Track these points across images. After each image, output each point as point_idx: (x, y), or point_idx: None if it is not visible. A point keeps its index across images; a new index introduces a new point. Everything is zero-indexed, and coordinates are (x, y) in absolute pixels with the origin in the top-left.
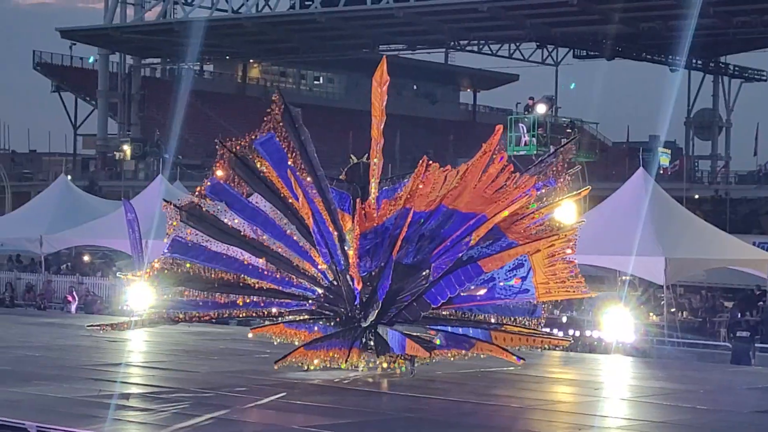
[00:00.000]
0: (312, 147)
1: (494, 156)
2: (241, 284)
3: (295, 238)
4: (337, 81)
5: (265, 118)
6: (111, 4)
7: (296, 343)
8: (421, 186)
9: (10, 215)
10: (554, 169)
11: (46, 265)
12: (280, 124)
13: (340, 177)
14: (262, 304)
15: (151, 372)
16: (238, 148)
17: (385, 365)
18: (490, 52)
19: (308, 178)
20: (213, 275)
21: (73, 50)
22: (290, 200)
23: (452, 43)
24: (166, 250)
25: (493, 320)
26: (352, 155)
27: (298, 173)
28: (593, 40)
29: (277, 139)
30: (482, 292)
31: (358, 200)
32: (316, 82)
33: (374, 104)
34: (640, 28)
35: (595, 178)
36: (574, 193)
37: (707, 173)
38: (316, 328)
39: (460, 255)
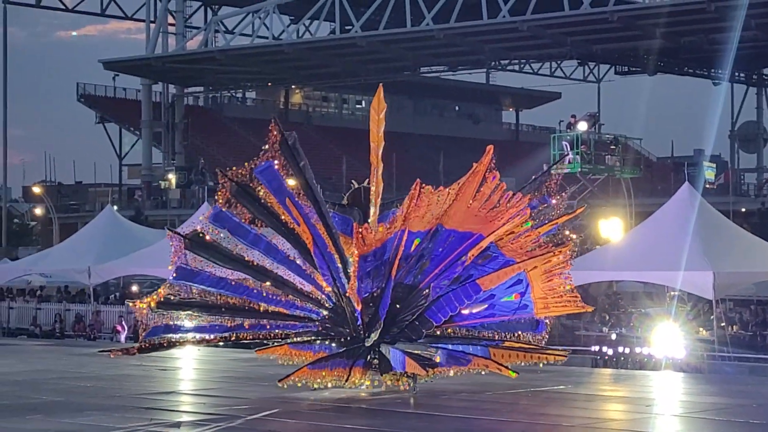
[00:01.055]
0: (311, 173)
1: (486, 175)
2: (246, 308)
3: (298, 262)
4: None
5: (264, 147)
6: (152, 35)
7: (300, 363)
8: (415, 208)
9: (58, 247)
10: (548, 186)
11: (94, 295)
12: (278, 152)
13: (342, 202)
14: (268, 327)
15: (201, 399)
16: (239, 176)
17: (389, 383)
18: (531, 71)
19: (308, 204)
20: (219, 299)
21: (116, 81)
22: (291, 225)
23: (493, 63)
24: (171, 278)
25: (496, 337)
26: (353, 180)
27: (297, 199)
28: (635, 56)
29: (276, 167)
30: (482, 309)
31: (355, 224)
32: (357, 106)
33: (372, 131)
34: (681, 42)
35: (640, 194)
36: (571, 212)
37: (753, 186)
38: (319, 349)
39: (458, 274)
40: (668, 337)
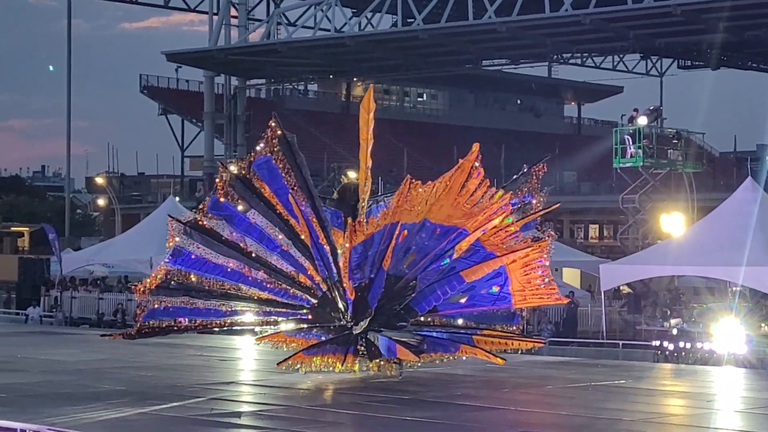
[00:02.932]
0: (307, 169)
1: (472, 172)
2: (240, 294)
3: (290, 252)
4: (441, 97)
5: (260, 140)
6: (215, 27)
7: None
8: (405, 201)
9: (120, 237)
10: (529, 186)
11: None
12: (276, 148)
13: (333, 196)
14: (261, 313)
15: (261, 390)
16: (239, 168)
17: (375, 369)
18: (593, 65)
19: (303, 197)
20: (215, 285)
21: (179, 73)
22: (286, 217)
23: (555, 56)
24: (167, 260)
25: (479, 326)
26: (343, 176)
27: (293, 192)
28: (698, 50)
29: (274, 161)
30: (464, 300)
31: (348, 218)
32: (419, 99)
33: (362, 129)
34: (745, 36)
35: (702, 189)
36: (547, 208)
37: None
38: (313, 336)
39: (443, 266)
40: (730, 332)
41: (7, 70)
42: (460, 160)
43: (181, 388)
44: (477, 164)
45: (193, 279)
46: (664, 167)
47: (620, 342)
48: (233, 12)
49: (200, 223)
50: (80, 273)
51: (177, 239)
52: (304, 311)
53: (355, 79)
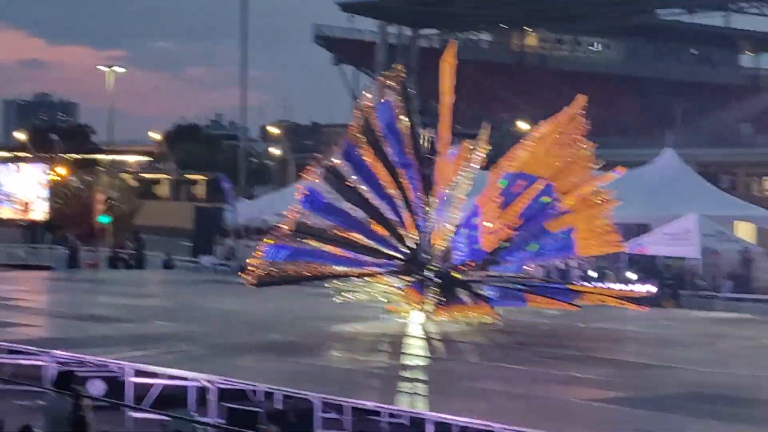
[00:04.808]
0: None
1: (573, 123)
2: (357, 242)
3: (398, 203)
4: (614, 47)
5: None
6: None
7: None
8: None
9: (295, 187)
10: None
11: None
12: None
13: None
14: (369, 263)
15: (430, 344)
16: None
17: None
18: None
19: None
20: (338, 233)
21: (353, 23)
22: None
23: (732, 5)
24: (302, 200)
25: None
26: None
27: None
28: None
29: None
30: (536, 249)
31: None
32: (591, 48)
33: (444, 84)
34: None
35: None
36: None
37: None
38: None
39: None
40: None
41: (184, 20)
42: (566, 109)
43: (352, 341)
44: (580, 116)
45: (318, 224)
46: None
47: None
48: None
49: (335, 167)
50: (255, 222)
51: (313, 177)
52: (398, 261)
53: (526, 28)
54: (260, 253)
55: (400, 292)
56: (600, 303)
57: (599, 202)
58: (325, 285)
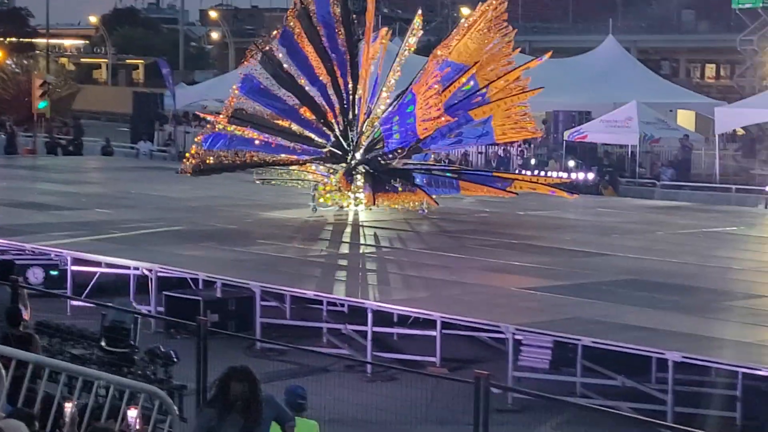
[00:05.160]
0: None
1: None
2: (290, 130)
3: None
4: None
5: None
6: None
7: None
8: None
9: (234, 72)
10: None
11: None
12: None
13: None
14: (299, 151)
15: (370, 232)
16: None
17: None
18: None
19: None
20: (273, 120)
21: None
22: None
23: None
24: (238, 85)
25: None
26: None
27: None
28: None
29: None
30: (453, 136)
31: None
32: None
33: None
34: None
35: None
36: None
37: None
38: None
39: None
40: None
41: None
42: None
43: (292, 229)
44: (502, 5)
45: (258, 109)
46: None
47: (733, 186)
48: None
49: (272, 52)
50: (194, 107)
51: (252, 62)
52: (324, 149)
53: None
54: (198, 141)
55: (328, 180)
56: (531, 190)
57: (518, 89)
58: (257, 173)
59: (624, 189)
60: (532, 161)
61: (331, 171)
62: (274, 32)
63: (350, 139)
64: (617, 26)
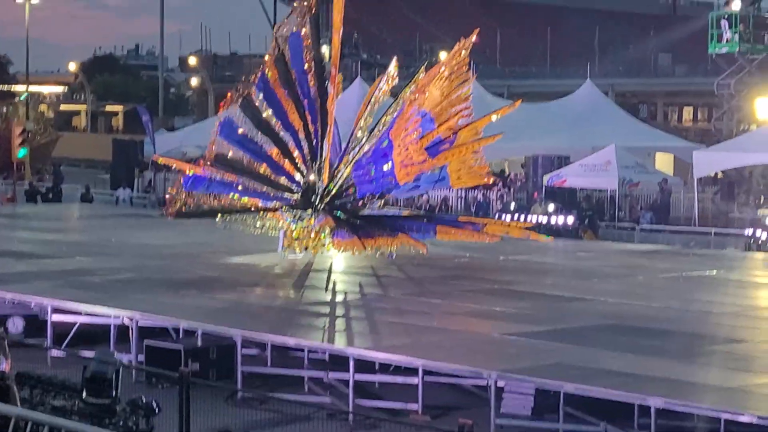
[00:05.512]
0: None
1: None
2: (272, 179)
3: (301, 137)
4: None
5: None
6: None
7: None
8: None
9: (213, 119)
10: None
11: None
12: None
13: None
14: (272, 196)
15: (349, 278)
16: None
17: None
18: None
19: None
20: (254, 167)
21: None
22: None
23: None
24: (218, 130)
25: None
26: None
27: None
28: None
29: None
30: (411, 182)
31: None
32: None
33: (335, 17)
34: None
35: None
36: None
37: None
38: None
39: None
40: None
41: None
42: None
43: (273, 277)
44: (465, 53)
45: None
46: (761, 52)
47: (712, 230)
48: None
49: (251, 97)
50: (173, 154)
51: (233, 107)
52: (292, 196)
53: None
54: (179, 184)
55: (297, 226)
56: (504, 234)
57: (476, 136)
58: (234, 218)
59: (604, 233)
60: (512, 205)
61: (298, 217)
62: (252, 77)
63: (317, 186)
64: (595, 70)
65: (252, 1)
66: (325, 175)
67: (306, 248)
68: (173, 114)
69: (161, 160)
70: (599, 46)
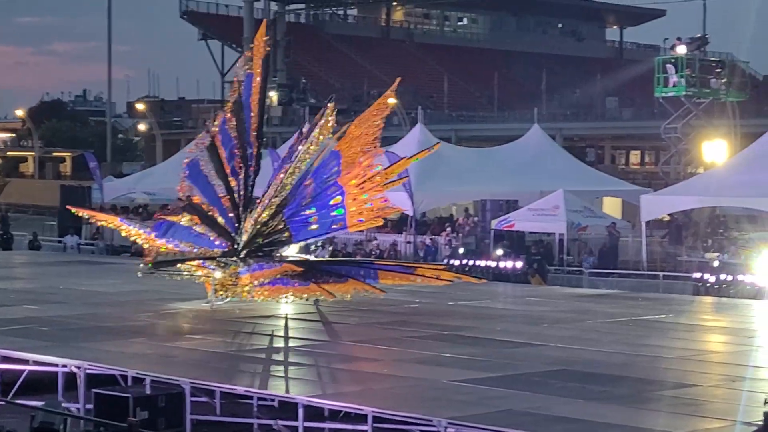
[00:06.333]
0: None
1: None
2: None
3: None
4: (481, 21)
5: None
6: None
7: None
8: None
9: (162, 165)
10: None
11: None
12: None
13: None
14: (217, 243)
15: (299, 324)
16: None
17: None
18: None
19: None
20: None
21: None
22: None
23: None
24: (186, 172)
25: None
26: None
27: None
28: None
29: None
30: (315, 227)
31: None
32: (459, 23)
33: (255, 63)
34: None
35: (746, 115)
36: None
37: None
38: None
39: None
40: None
41: None
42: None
43: (220, 322)
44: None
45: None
46: (707, 96)
47: (661, 273)
48: None
49: (215, 142)
50: (122, 201)
51: (196, 151)
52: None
53: (395, 3)
54: (149, 230)
55: (222, 274)
56: (435, 277)
57: (373, 181)
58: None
59: (552, 277)
60: (461, 250)
61: (221, 265)
62: (214, 120)
63: (240, 232)
64: (542, 114)
65: (200, 47)
66: (247, 224)
67: (231, 296)
68: (121, 160)
69: (75, 211)
70: (546, 90)
